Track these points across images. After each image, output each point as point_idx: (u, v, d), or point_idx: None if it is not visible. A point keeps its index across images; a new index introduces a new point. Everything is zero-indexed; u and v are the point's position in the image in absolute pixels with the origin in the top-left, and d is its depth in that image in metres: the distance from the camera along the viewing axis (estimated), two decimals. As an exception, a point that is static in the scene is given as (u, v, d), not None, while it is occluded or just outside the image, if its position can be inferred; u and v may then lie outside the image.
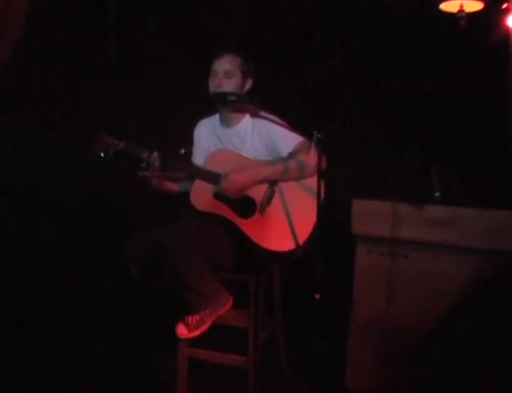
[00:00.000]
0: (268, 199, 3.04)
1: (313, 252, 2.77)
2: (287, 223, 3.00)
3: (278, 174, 3.02)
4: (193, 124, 3.33)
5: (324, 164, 2.71)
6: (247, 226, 3.01)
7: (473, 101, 3.75)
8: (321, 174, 2.64)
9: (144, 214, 4.04)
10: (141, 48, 4.24)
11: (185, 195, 3.12)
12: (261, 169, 3.03)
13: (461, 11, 3.32)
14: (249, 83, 3.15)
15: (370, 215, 3.18)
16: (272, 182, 3.05)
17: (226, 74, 3.06)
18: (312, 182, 2.78)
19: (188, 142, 3.27)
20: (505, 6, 3.46)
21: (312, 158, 2.73)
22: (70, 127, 3.97)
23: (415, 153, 3.68)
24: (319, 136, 2.60)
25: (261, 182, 3.03)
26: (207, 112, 3.27)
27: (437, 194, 3.24)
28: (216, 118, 3.25)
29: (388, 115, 3.89)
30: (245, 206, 3.04)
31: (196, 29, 4.20)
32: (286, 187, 3.06)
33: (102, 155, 2.97)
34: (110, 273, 3.71)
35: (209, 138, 3.25)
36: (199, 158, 3.26)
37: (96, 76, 4.13)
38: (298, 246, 2.98)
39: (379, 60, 3.95)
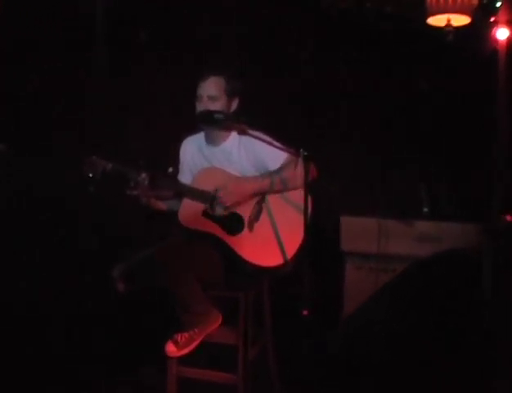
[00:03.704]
0: (256, 215, 3.14)
1: (302, 268, 2.82)
2: (275, 239, 3.10)
3: (267, 187, 3.14)
4: (179, 141, 3.40)
5: (312, 176, 2.79)
6: (235, 242, 3.10)
7: (461, 113, 3.87)
8: (308, 190, 2.72)
9: (133, 233, 4.15)
10: (130, 60, 4.34)
11: (173, 213, 3.19)
12: (255, 181, 3.14)
13: (449, 25, 3.40)
14: (235, 103, 3.22)
15: (357, 232, 3.31)
16: (260, 199, 3.15)
17: (211, 98, 3.14)
18: (299, 198, 2.83)
19: (176, 160, 3.35)
20: (492, 19, 3.58)
21: (298, 176, 2.81)
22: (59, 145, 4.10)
23: (403, 166, 3.76)
24: (305, 153, 2.68)
25: (255, 194, 3.14)
26: (194, 130, 3.34)
27: (425, 209, 3.33)
28: (202, 136, 3.32)
29: (376, 128, 3.99)
30: (233, 223, 3.13)
31: (188, 47, 4.31)
32: (273, 204, 3.16)
33: (91, 175, 3.06)
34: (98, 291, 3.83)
35: (195, 156, 3.32)
36: (185, 176, 3.33)
37: (84, 90, 4.23)
38: (286, 261, 3.07)
39: (367, 69, 4.07)
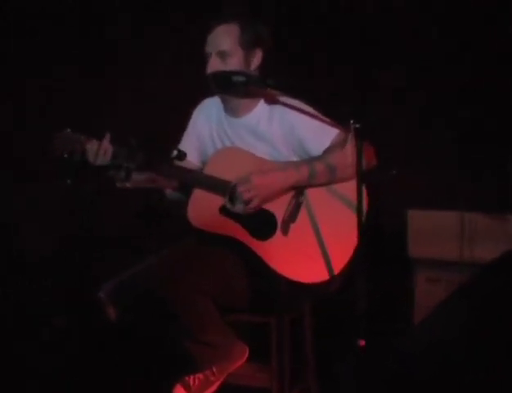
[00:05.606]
0: (293, 213, 2.72)
1: (356, 284, 2.37)
2: (317, 246, 2.71)
3: (305, 180, 2.72)
4: (183, 114, 2.96)
5: (369, 162, 2.47)
6: (265, 249, 2.72)
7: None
8: (362, 178, 2.29)
9: (125, 238, 3.84)
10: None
11: (178, 207, 2.82)
12: (289, 171, 2.73)
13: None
14: (257, 58, 2.75)
15: (431, 232, 2.99)
16: (298, 191, 2.74)
17: (221, 55, 2.70)
18: (349, 189, 2.50)
19: (180, 138, 2.94)
20: None
21: (347, 157, 2.43)
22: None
23: (494, 144, 3.33)
24: (357, 126, 2.24)
25: (289, 188, 2.73)
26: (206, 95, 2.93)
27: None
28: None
29: (457, 94, 3.54)
30: (262, 223, 2.74)
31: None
32: (315, 198, 2.75)
33: (66, 156, 2.61)
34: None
35: (213, 129, 2.88)
36: (191, 151, 2.87)
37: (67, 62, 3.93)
38: (332, 276, 2.70)
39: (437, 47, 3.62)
